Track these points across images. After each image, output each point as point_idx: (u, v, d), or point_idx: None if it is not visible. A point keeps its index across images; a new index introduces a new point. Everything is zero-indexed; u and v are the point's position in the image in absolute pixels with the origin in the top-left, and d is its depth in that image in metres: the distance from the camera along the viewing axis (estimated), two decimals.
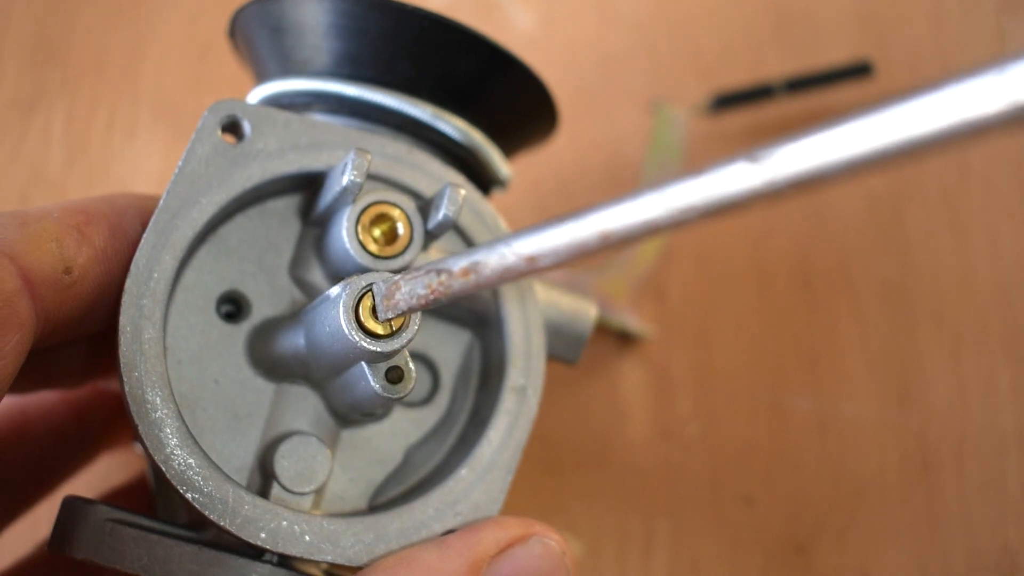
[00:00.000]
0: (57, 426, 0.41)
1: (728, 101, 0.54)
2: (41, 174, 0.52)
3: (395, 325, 0.29)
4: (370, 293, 0.29)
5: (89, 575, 0.38)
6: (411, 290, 0.27)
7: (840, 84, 0.53)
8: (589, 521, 0.48)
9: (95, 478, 0.46)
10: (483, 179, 0.37)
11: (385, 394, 0.30)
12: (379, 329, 0.29)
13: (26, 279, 0.29)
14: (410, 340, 0.29)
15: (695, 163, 0.53)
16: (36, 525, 0.44)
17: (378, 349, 0.29)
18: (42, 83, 0.53)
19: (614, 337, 0.51)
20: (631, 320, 0.50)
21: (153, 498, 0.38)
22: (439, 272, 0.26)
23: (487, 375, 0.36)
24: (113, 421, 0.43)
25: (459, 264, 0.26)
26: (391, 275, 0.29)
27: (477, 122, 0.36)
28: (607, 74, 0.55)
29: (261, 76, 0.37)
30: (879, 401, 0.50)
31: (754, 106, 0.54)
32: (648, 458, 0.49)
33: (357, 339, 0.29)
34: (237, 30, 0.37)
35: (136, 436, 0.31)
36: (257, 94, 0.37)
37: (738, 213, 0.21)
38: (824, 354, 0.51)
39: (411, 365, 0.30)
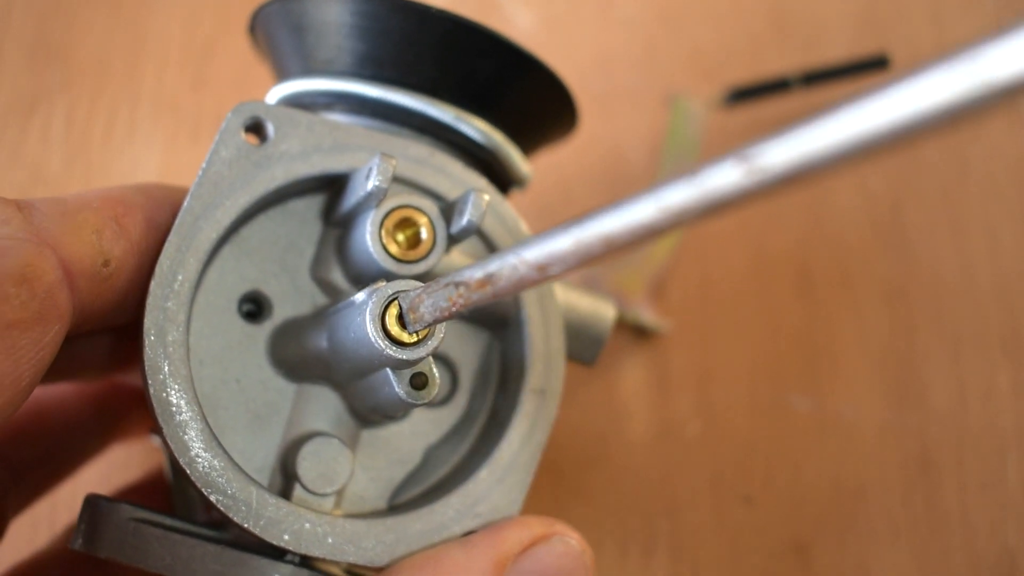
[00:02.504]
0: (72, 416, 0.41)
1: (744, 95, 0.53)
2: (41, 174, 0.52)
3: (421, 333, 0.29)
4: (397, 301, 0.29)
5: (106, 571, 0.39)
6: (434, 303, 0.28)
7: (856, 77, 0.53)
8: (589, 521, 0.48)
9: (110, 470, 0.46)
10: (503, 179, 0.38)
11: (409, 400, 0.30)
12: (405, 337, 0.29)
13: (66, 270, 0.29)
14: (435, 347, 0.29)
15: (711, 157, 0.53)
16: (52, 521, 0.44)
17: (404, 357, 0.29)
18: (42, 83, 0.53)
19: (629, 331, 0.51)
20: (646, 314, 0.50)
21: (170, 492, 0.39)
22: (457, 285, 0.27)
23: (506, 376, 0.36)
24: (127, 412, 0.43)
25: (475, 276, 0.26)
26: (416, 282, 0.29)
27: (498, 123, 0.36)
28: (607, 73, 0.55)
29: (282, 74, 0.37)
30: (879, 401, 0.50)
31: (770, 99, 0.53)
32: (648, 458, 0.49)
33: (383, 347, 0.29)
34: (258, 26, 0.37)
35: (159, 436, 0.31)
36: (278, 92, 0.36)
37: (733, 212, 0.21)
38: (824, 354, 0.51)
39: (435, 371, 0.31)
